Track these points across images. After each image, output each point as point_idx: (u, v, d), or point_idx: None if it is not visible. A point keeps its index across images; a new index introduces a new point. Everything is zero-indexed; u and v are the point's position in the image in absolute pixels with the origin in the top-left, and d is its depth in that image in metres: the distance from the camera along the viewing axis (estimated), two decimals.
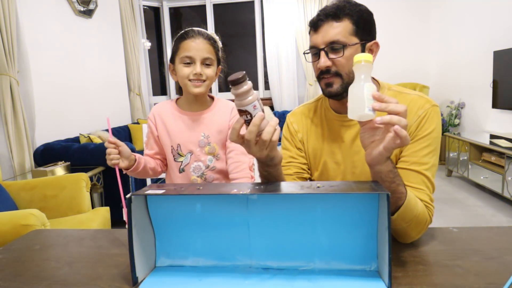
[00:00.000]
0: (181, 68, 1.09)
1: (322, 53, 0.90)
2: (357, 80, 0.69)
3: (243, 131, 0.74)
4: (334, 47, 0.88)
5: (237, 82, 0.69)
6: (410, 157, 0.88)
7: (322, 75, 0.92)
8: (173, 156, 1.17)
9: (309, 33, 0.96)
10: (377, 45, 0.94)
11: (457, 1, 4.23)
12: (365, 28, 0.91)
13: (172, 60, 1.13)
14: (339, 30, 0.88)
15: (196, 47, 1.07)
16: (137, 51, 4.74)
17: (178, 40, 1.11)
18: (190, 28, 1.12)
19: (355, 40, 0.89)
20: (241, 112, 0.71)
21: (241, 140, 0.75)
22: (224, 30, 5.63)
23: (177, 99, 1.22)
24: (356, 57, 0.70)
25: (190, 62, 1.08)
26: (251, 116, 0.71)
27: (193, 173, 1.16)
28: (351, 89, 0.70)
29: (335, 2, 0.91)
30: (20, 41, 2.79)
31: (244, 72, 0.70)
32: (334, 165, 1.00)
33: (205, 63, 1.09)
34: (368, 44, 0.92)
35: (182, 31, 1.12)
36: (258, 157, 0.78)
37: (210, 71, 1.11)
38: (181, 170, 1.17)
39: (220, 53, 1.16)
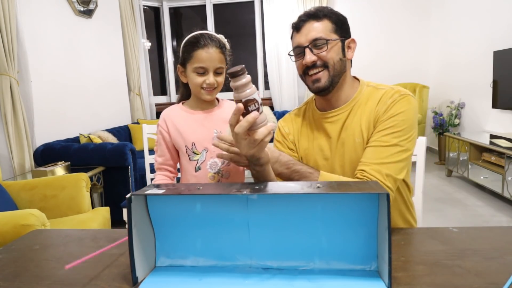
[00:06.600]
0: (194, 76, 1.11)
1: (307, 50, 0.99)
2: None
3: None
4: (317, 43, 0.98)
5: (237, 74, 0.74)
6: (372, 139, 0.97)
7: (308, 70, 1.02)
8: (188, 155, 1.16)
9: (291, 37, 1.06)
10: (354, 41, 1.04)
11: (457, 1, 4.23)
12: (342, 28, 1.01)
13: (183, 64, 1.13)
14: (320, 28, 0.98)
15: (210, 57, 1.09)
16: (137, 51, 4.74)
17: (190, 48, 1.10)
18: (200, 33, 1.10)
19: (335, 36, 0.99)
20: (249, 102, 0.75)
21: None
22: (224, 30, 5.60)
23: (183, 102, 1.23)
24: None
25: (203, 72, 1.11)
26: (259, 104, 0.76)
27: (210, 170, 1.16)
28: None
29: (314, 7, 1.03)
30: (20, 41, 2.79)
31: (243, 65, 0.75)
32: (324, 162, 1.07)
33: (217, 71, 1.12)
34: (347, 41, 1.02)
35: (193, 36, 1.10)
36: (245, 154, 0.84)
37: (221, 79, 1.15)
38: (197, 169, 1.16)
39: (228, 57, 1.17)
